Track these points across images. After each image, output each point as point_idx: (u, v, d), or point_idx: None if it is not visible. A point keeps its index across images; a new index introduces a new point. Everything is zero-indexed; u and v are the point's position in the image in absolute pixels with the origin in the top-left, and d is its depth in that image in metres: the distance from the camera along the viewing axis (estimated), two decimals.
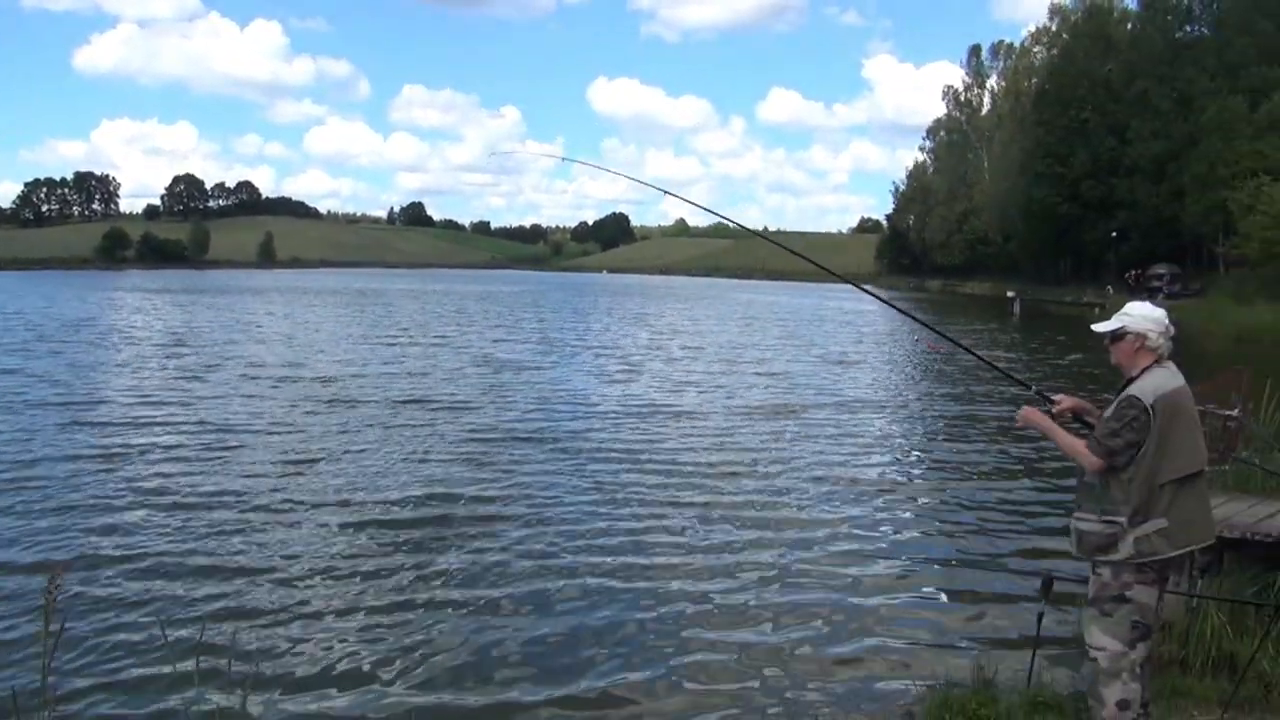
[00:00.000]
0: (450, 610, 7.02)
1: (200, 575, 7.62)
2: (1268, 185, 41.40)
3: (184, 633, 6.30)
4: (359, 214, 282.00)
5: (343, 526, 9.08)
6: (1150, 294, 42.51)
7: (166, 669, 5.57)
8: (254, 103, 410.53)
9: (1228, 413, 6.95)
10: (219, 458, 11.98)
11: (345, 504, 9.86)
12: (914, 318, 6.41)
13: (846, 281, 6.91)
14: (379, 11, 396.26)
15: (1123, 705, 3.96)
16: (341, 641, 6.43)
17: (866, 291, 6.31)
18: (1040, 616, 5.16)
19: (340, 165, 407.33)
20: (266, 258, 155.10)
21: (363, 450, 12.56)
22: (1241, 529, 5.93)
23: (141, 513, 9.37)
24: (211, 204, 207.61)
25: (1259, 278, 43.82)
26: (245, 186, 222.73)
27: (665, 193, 6.75)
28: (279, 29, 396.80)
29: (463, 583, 7.60)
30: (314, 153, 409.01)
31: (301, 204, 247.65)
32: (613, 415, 15.83)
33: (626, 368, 23.44)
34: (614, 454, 12.54)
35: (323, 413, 15.59)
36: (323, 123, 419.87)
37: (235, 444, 12.85)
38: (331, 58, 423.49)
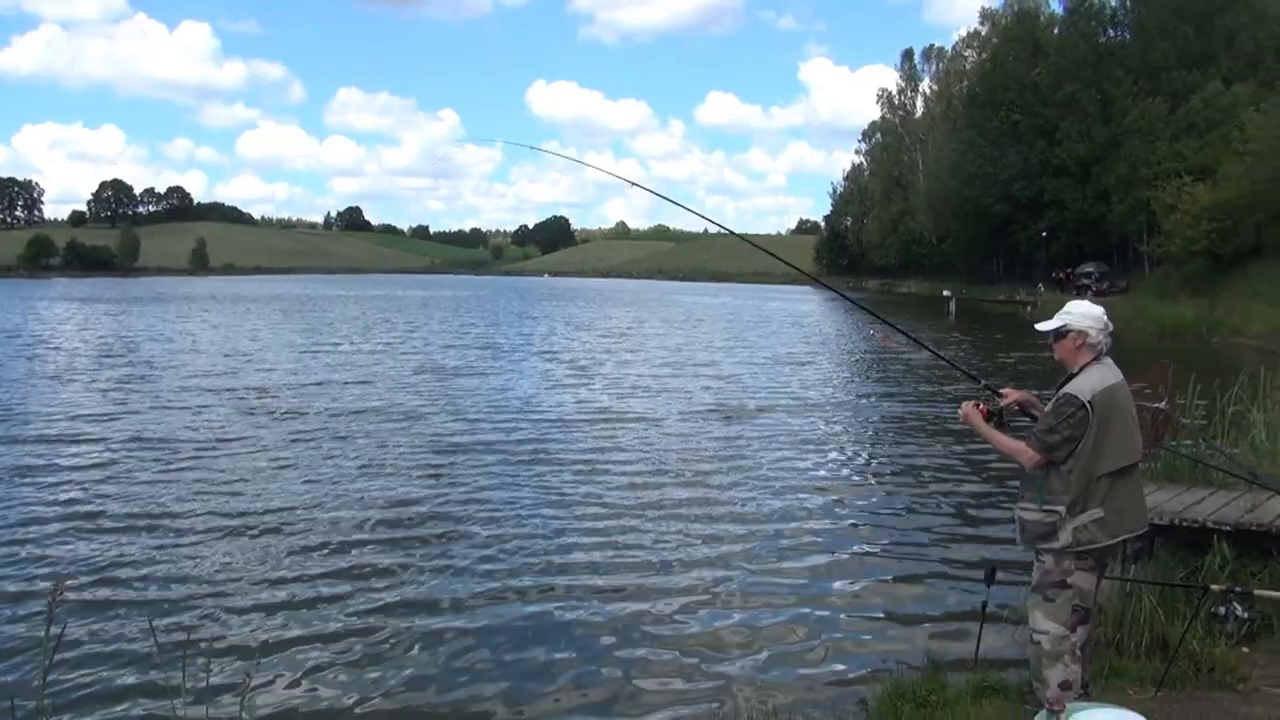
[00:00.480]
0: (410, 626, 6.79)
1: (140, 600, 7.20)
2: (1188, 185, 42.86)
3: (127, 670, 5.99)
4: (294, 219, 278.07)
5: (294, 544, 8.68)
6: (1079, 292, 43.69)
7: (100, 709, 5.41)
8: (184, 106, 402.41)
9: (1156, 405, 7.26)
10: (159, 474, 11.39)
11: (295, 520, 9.44)
12: (876, 315, 6.62)
13: (811, 279, 7.03)
14: (312, 13, 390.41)
15: (1065, 686, 4.17)
16: (296, 662, 6.17)
17: (835, 291, 6.44)
18: (985, 604, 5.37)
19: (274, 170, 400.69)
20: (199, 264, 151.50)
21: (312, 463, 12.16)
22: (1170, 516, 6.22)
23: (74, 535, 8.83)
24: (141, 210, 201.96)
25: (1181, 275, 45.36)
26: (176, 192, 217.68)
27: (638, 186, 6.88)
28: (209, 31, 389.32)
29: (422, 598, 7.39)
30: (247, 157, 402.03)
31: (235, 209, 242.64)
32: (565, 422, 15.68)
33: (577, 372, 23.31)
34: (567, 462, 12.40)
35: (268, 425, 15.04)
36: (256, 126, 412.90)
37: (176, 459, 12.28)
38: (264, 60, 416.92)
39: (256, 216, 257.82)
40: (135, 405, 16.82)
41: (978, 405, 4.49)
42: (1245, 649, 5.37)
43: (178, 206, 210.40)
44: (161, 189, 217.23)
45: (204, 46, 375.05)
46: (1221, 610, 5.40)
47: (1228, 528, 6.05)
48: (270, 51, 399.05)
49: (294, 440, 13.72)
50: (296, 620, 6.92)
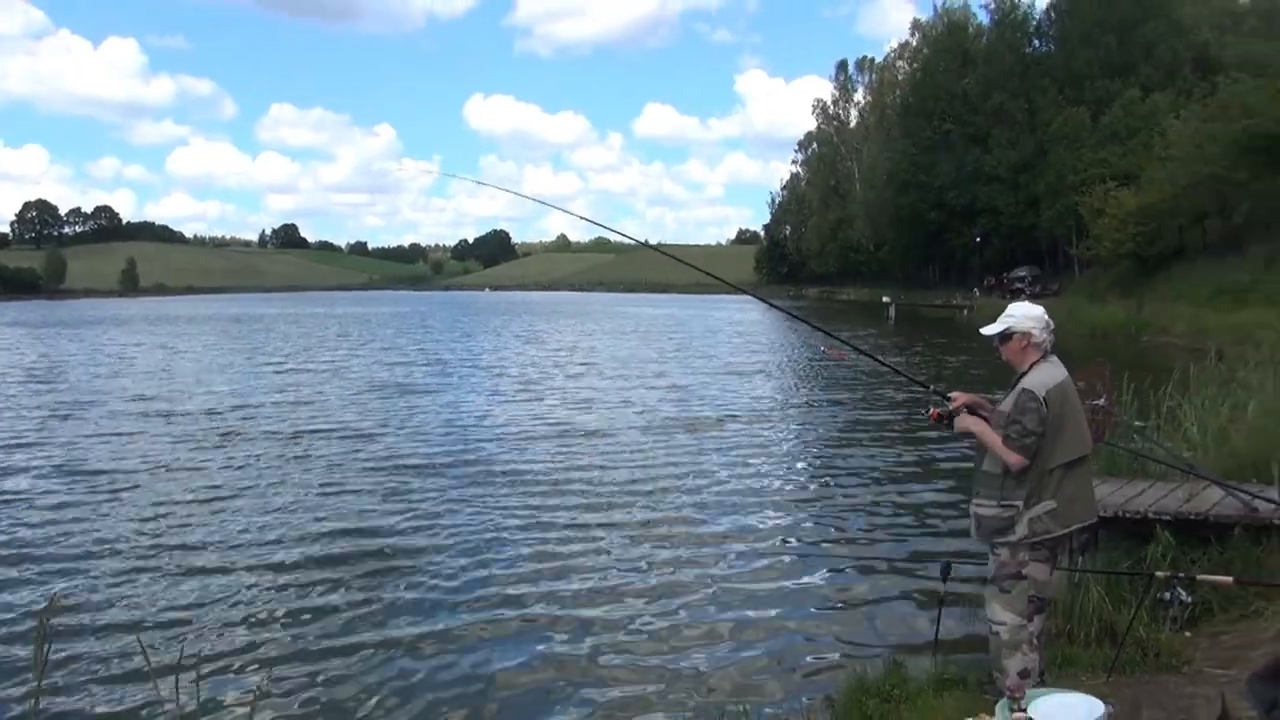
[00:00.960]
0: (369, 653, 6.65)
1: (84, 632, 6.87)
2: (1114, 190, 44.23)
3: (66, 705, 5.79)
4: (228, 237, 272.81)
5: (246, 573, 8.35)
6: (1013, 295, 44.72)
7: None
8: (110, 124, 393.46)
9: (1096, 403, 7.51)
10: (98, 505, 10.81)
11: (246, 549, 9.08)
12: (817, 326, 6.75)
13: (744, 292, 7.14)
14: (242, 28, 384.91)
15: (1024, 674, 4.31)
16: (252, 693, 5.95)
17: (767, 303, 6.59)
18: (941, 599, 5.53)
19: (206, 187, 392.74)
20: (129, 285, 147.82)
21: (259, 489, 11.67)
22: (1114, 508, 6.45)
23: (7, 569, 8.42)
24: (67, 230, 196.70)
25: (1109, 277, 46.75)
26: (104, 211, 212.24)
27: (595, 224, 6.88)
28: (135, 46, 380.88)
29: (380, 623, 7.23)
30: (177, 175, 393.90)
31: (165, 228, 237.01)
32: (518, 438, 15.42)
33: (527, 387, 23.02)
34: (523, 479, 12.15)
35: (210, 450, 14.41)
36: (186, 144, 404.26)
37: (115, 488, 11.68)
38: (193, 76, 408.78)
39: (188, 235, 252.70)
40: (65, 433, 15.96)
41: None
42: (1188, 633, 5.58)
43: (106, 226, 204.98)
44: (88, 209, 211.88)
45: (130, 62, 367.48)
46: (1166, 596, 5.60)
47: (1168, 517, 6.29)
48: (199, 67, 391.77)
49: (233, 466, 13.11)
50: (247, 651, 6.67)
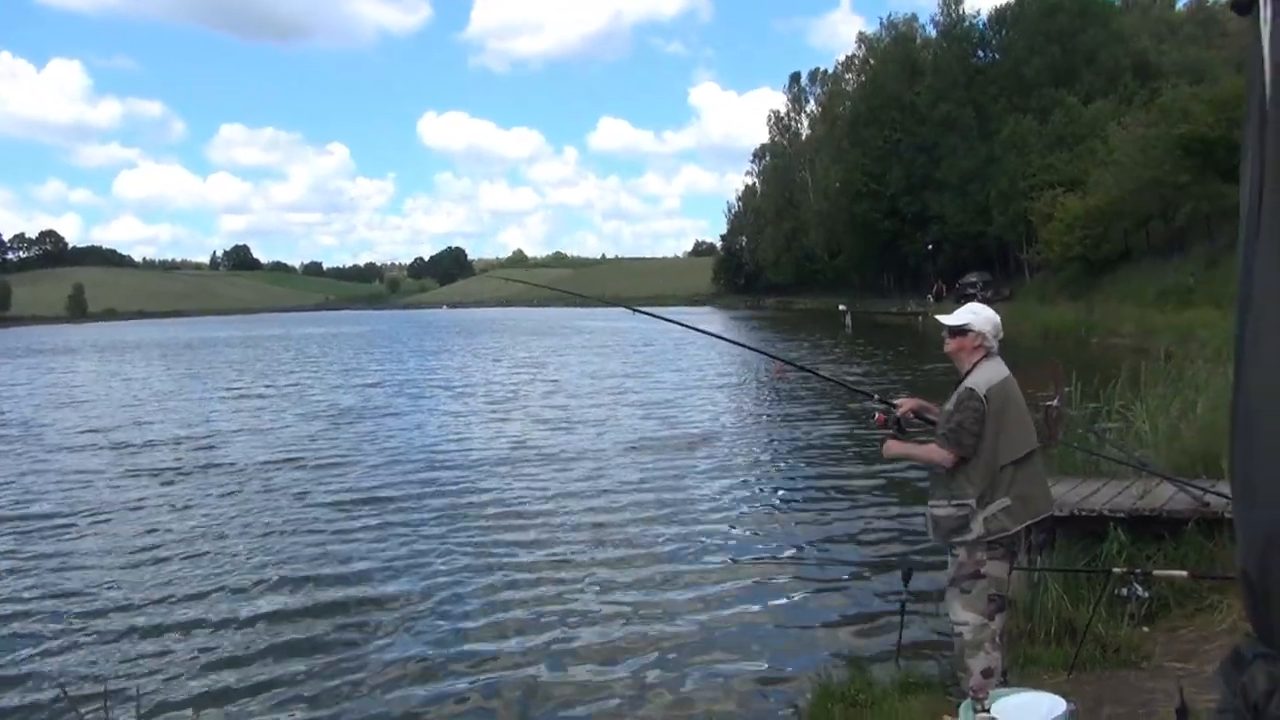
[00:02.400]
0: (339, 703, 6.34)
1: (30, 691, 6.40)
2: (1062, 196, 45.11)
3: None
4: (179, 260, 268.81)
5: (204, 622, 7.78)
6: (965, 300, 45.35)
7: None
8: (55, 147, 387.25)
9: (1049, 403, 7.61)
10: (40, 548, 10.11)
11: (203, 595, 8.48)
12: (751, 347, 6.80)
13: (681, 324, 6.70)
14: (190, 49, 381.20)
15: (987, 673, 4.33)
16: None
17: (703, 332, 6.52)
18: (903, 604, 5.55)
19: (156, 210, 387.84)
20: (77, 311, 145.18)
21: (217, 527, 10.95)
22: (1069, 507, 6.52)
23: None
24: (11, 256, 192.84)
25: (1059, 281, 47.63)
26: (49, 236, 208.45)
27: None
28: (80, 68, 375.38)
29: (336, 655, 6.97)
30: (125, 198, 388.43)
31: (114, 252, 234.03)
32: (489, 464, 14.68)
33: (495, 409, 22.30)
34: (496, 510, 11.55)
35: (163, 485, 13.57)
36: (134, 166, 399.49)
37: (49, 529, 10.93)
38: (140, 98, 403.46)
39: (138, 259, 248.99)
40: (10, 468, 15.19)
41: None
42: (1146, 629, 5.65)
43: (51, 251, 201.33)
44: (33, 234, 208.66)
45: (75, 85, 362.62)
46: (1123, 592, 5.67)
47: (1123, 514, 6.37)
48: (147, 89, 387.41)
49: (183, 503, 12.31)
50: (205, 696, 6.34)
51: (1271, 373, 1.37)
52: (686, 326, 6.47)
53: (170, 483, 13.89)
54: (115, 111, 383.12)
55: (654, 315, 6.46)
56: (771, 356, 6.29)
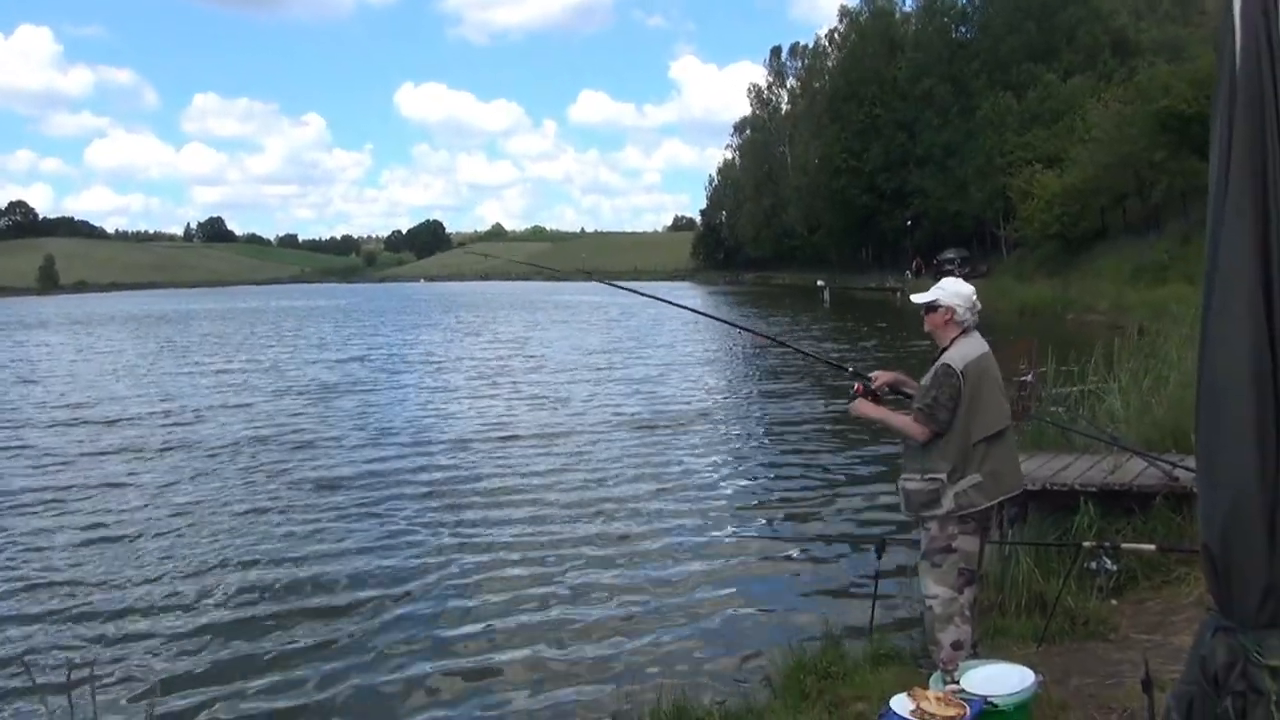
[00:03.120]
0: (316, 668, 6.32)
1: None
2: (1040, 173, 45.29)
3: None
4: (152, 231, 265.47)
5: (174, 603, 7.56)
6: (943, 276, 45.50)
7: None
8: (24, 116, 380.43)
9: (1023, 378, 7.67)
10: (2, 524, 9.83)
11: (172, 576, 8.19)
12: (728, 322, 6.80)
13: (657, 298, 6.65)
14: (163, 17, 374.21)
15: (957, 645, 4.38)
16: None
17: (680, 306, 6.50)
18: (877, 576, 5.60)
19: (128, 180, 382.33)
20: (48, 283, 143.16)
21: (190, 506, 10.56)
22: (1041, 481, 6.58)
23: None
24: None
25: (1036, 258, 47.96)
26: (19, 206, 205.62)
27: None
28: (50, 36, 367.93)
29: (313, 627, 6.96)
30: (97, 168, 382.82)
31: (85, 223, 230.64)
32: (470, 442, 14.34)
33: (477, 386, 21.80)
34: (473, 488, 11.36)
35: (134, 465, 13.03)
36: (105, 135, 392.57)
37: (22, 509, 10.59)
38: (112, 66, 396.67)
39: (110, 230, 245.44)
40: None
41: (857, 388, 4.69)
42: (1114, 601, 5.73)
43: (21, 222, 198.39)
44: (2, 204, 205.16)
45: (45, 52, 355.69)
46: (1092, 565, 5.75)
47: (1093, 489, 6.44)
48: (119, 57, 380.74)
49: (157, 484, 11.86)
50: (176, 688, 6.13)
51: (1234, 350, 1.39)
52: (664, 301, 6.46)
53: (141, 461, 13.50)
54: (87, 80, 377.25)
55: (630, 290, 6.41)
56: (748, 330, 6.29)
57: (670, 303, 6.45)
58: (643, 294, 6.24)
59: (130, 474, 12.65)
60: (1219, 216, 1.29)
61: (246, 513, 10.36)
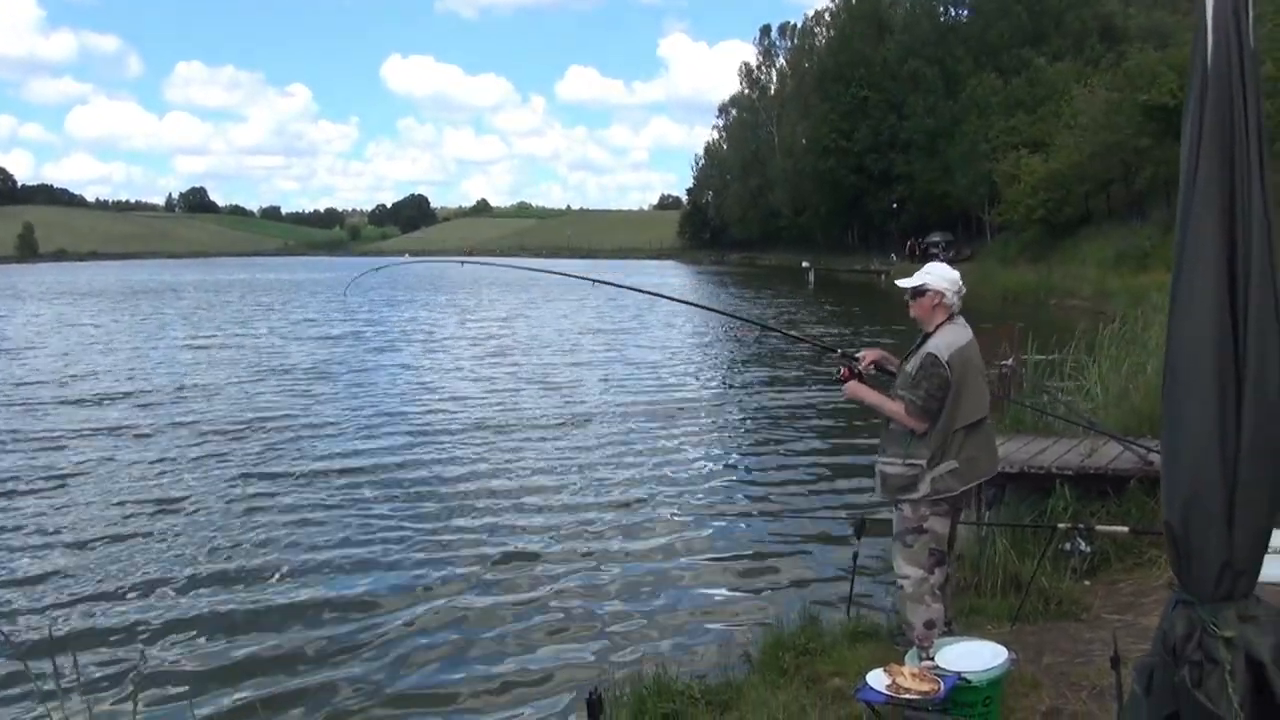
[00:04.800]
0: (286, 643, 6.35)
1: None
2: (1025, 157, 45.38)
3: None
4: (133, 201, 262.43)
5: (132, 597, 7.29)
6: (928, 260, 45.63)
7: None
8: (4, 80, 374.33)
9: (1004, 363, 7.77)
10: None
11: (142, 565, 7.88)
12: (720, 311, 6.83)
13: (648, 292, 6.68)
14: None
15: (929, 624, 4.46)
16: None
17: (665, 298, 6.55)
18: (855, 556, 5.68)
19: (110, 148, 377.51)
20: (27, 251, 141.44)
21: (170, 494, 10.06)
22: (1019, 464, 6.69)
23: None
24: None
25: (1020, 243, 48.13)
26: None
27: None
28: (33, 0, 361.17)
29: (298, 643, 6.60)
30: (78, 135, 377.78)
31: (65, 191, 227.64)
32: (456, 429, 13.77)
33: (469, 369, 21.10)
34: (455, 477, 10.94)
35: (107, 447, 12.42)
36: (87, 102, 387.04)
37: None
38: (96, 31, 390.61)
39: (90, 199, 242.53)
40: None
41: (843, 371, 4.72)
42: (1088, 582, 5.84)
43: (0, 189, 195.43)
44: None
45: (28, 16, 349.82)
46: (1067, 547, 5.85)
47: (1070, 472, 6.54)
48: (103, 22, 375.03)
49: (134, 464, 11.35)
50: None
51: (1199, 337, 1.46)
52: (652, 294, 6.49)
53: (117, 441, 12.93)
54: (69, 45, 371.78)
55: (616, 285, 6.23)
56: (733, 316, 6.34)
57: (655, 294, 6.48)
58: (623, 286, 6.23)
59: (101, 457, 11.98)
60: (1188, 208, 1.34)
61: (225, 503, 9.87)
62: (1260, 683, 1.64)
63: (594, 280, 5.90)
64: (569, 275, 6.34)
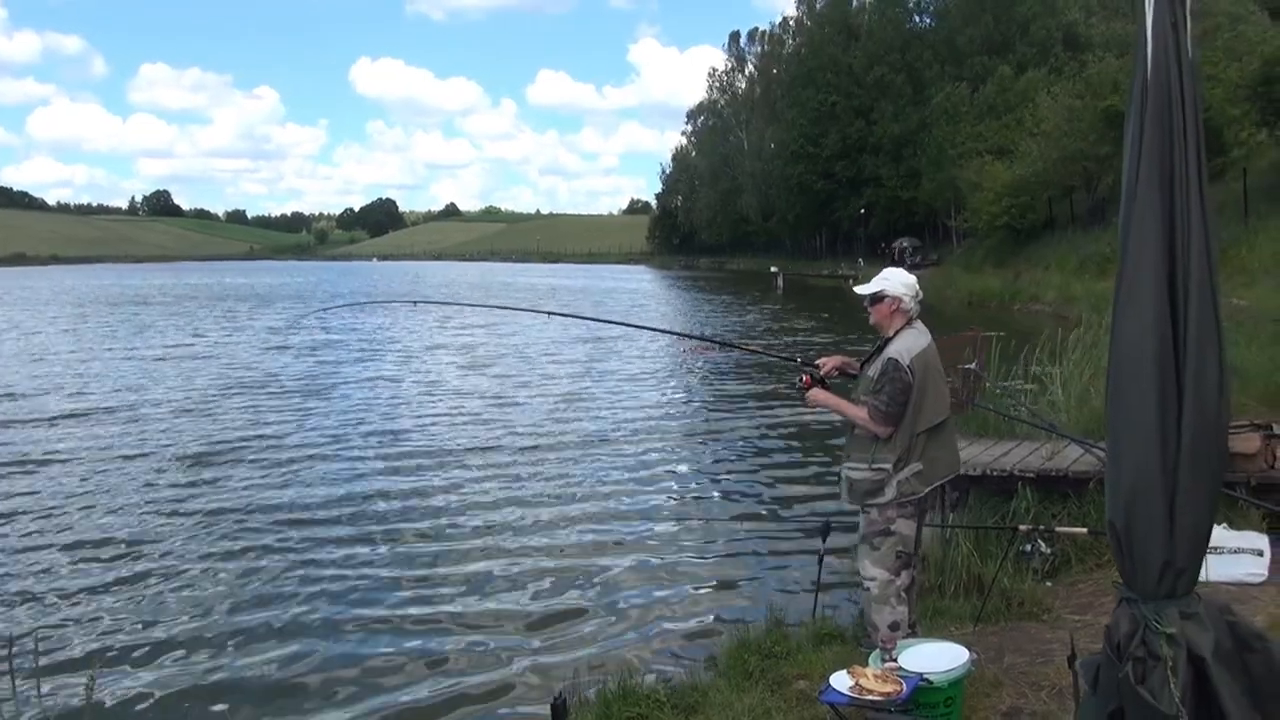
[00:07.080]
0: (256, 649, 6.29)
1: None
2: (990, 164, 45.92)
3: None
4: (95, 204, 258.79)
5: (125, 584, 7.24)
6: (898, 264, 46.06)
7: None
8: None
9: (968, 367, 7.85)
10: None
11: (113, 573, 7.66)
12: (675, 333, 6.86)
13: (619, 324, 6.74)
14: None
15: (894, 626, 4.51)
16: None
17: (632, 326, 6.60)
18: (821, 558, 5.72)
19: (72, 151, 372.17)
20: None
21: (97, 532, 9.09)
22: (982, 467, 6.78)
23: None
24: None
25: (985, 248, 48.65)
26: None
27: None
28: None
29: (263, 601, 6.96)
30: (39, 137, 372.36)
31: (25, 194, 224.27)
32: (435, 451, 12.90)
33: (465, 371, 20.91)
34: (427, 478, 10.97)
35: (65, 463, 11.75)
36: (49, 104, 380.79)
37: None
38: (59, 32, 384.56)
39: (51, 202, 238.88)
40: None
41: (804, 379, 4.76)
42: (1048, 583, 5.93)
43: None
44: None
45: None
46: (1028, 548, 5.93)
47: (1031, 474, 6.64)
48: (67, 23, 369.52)
49: (70, 494, 10.34)
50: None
51: (1134, 341, 1.51)
52: (606, 321, 6.50)
53: (60, 472, 11.56)
54: (32, 45, 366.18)
55: (573, 316, 6.37)
56: (695, 338, 6.41)
57: (608, 320, 6.50)
58: (581, 318, 6.27)
59: (59, 475, 11.50)
60: (1129, 215, 1.38)
61: (207, 511, 9.59)
62: (1201, 678, 1.68)
63: (549, 313, 6.09)
64: (520, 309, 6.40)
